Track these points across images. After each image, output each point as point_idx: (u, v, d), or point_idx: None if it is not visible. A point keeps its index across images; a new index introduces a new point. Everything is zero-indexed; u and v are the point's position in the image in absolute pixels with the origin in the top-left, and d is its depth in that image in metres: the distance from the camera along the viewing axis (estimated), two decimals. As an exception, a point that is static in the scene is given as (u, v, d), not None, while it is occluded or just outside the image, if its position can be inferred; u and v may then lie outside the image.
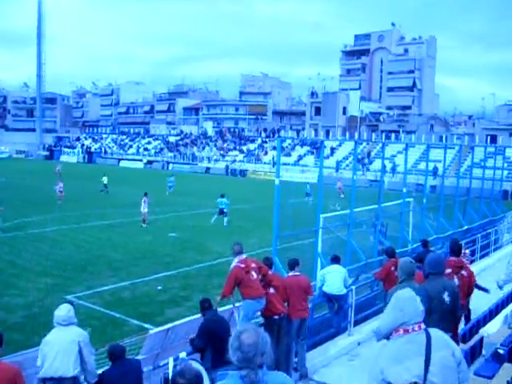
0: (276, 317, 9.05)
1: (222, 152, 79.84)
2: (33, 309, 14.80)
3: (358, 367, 9.66)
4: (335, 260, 12.25)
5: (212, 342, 7.62)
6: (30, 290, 16.51)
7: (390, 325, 3.74)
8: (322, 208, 15.39)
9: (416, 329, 3.67)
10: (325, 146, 53.52)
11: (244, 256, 9.30)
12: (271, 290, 9.21)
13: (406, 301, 3.76)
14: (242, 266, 9.09)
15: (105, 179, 42.56)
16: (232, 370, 3.32)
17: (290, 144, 73.55)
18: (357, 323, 11.85)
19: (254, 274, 9.02)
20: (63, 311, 6.92)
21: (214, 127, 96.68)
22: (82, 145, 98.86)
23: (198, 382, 3.97)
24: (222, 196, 29.36)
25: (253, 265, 9.15)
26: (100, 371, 6.78)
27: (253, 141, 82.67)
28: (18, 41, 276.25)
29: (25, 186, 45.30)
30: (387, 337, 3.79)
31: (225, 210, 28.94)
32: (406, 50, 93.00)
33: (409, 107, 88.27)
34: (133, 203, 31.78)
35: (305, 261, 16.05)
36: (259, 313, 9.24)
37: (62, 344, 6.63)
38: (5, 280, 17.62)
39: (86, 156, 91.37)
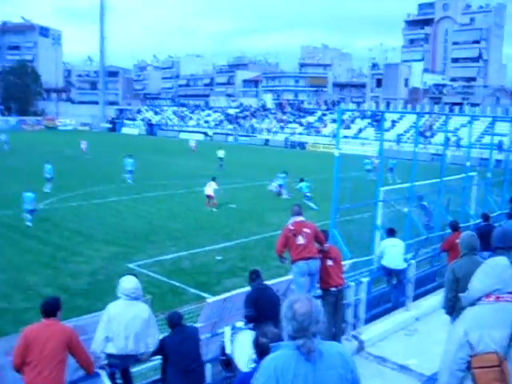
0: (333, 289, 9.05)
1: (281, 124, 79.53)
2: (97, 276, 15.34)
3: (416, 342, 9.57)
4: (391, 233, 12.09)
5: (260, 310, 7.71)
6: (94, 257, 17.12)
7: (483, 290, 3.63)
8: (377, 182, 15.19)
9: (508, 298, 3.57)
10: (385, 119, 52.44)
11: (300, 219, 9.27)
12: (329, 262, 9.20)
13: (503, 268, 3.66)
14: (292, 228, 9.12)
15: (221, 153, 42.10)
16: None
17: (349, 116, 72.51)
18: (415, 298, 11.71)
19: (302, 239, 8.98)
20: (131, 283, 6.98)
21: (273, 99, 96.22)
22: (144, 117, 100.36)
23: (279, 340, 4.09)
24: (302, 180, 27.80)
25: (305, 229, 9.10)
26: (160, 337, 6.93)
27: (312, 113, 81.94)
28: (82, 16, 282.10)
29: (87, 157, 46.45)
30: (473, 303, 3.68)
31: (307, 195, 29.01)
32: (472, 19, 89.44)
33: (474, 79, 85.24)
34: (192, 175, 32.27)
35: (363, 233, 15.99)
36: (317, 285, 9.25)
37: (130, 321, 6.71)
38: (71, 248, 18.29)
39: (147, 128, 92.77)
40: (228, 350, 7.06)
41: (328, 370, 3.27)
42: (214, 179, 26.22)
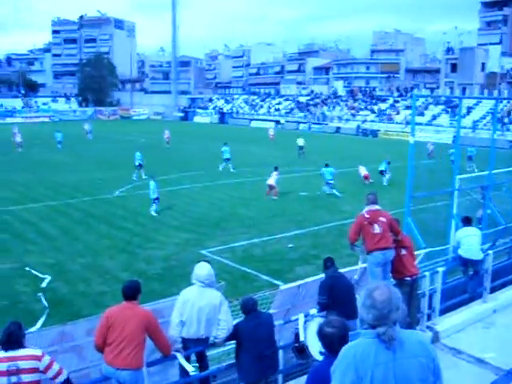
0: (408, 278, 8.88)
1: (352, 112, 78.51)
2: (170, 261, 15.69)
3: (493, 335, 9.26)
4: (467, 221, 11.68)
5: (334, 297, 7.69)
6: (167, 243, 17.51)
7: None
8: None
9: None
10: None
11: (376, 207, 9.12)
12: (402, 252, 9.03)
13: None
14: (367, 216, 8.97)
15: (300, 141, 41.96)
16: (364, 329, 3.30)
17: (423, 103, 70.68)
18: (493, 290, 11.32)
19: (377, 228, 8.83)
20: (204, 270, 7.07)
21: (344, 87, 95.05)
22: (215, 106, 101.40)
23: (346, 330, 4.05)
24: (326, 166, 27.25)
25: (381, 218, 8.94)
26: (234, 322, 7.01)
27: (384, 100, 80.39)
28: (155, 7, 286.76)
29: (163, 146, 47.36)
30: None
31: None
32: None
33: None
34: (264, 163, 32.31)
35: (438, 222, 15.60)
36: (391, 274, 9.10)
37: (203, 307, 6.82)
38: (146, 234, 18.79)
39: (219, 116, 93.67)
40: (301, 337, 7.05)
41: (409, 358, 3.23)
42: (276, 169, 26.03)
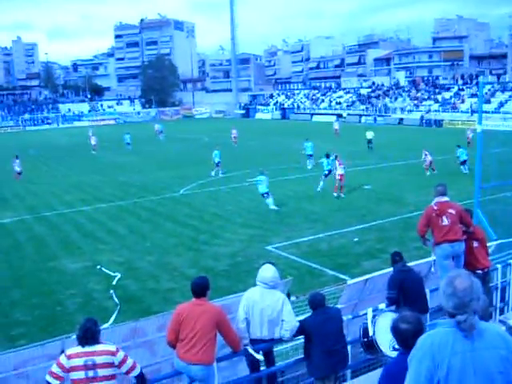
0: (479, 271, 8.64)
1: (415, 102, 76.84)
2: (237, 258, 15.83)
3: None
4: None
5: (403, 292, 7.57)
6: (233, 240, 17.67)
7: None
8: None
9: None
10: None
11: (445, 199, 8.91)
12: (475, 244, 8.80)
13: None
14: (435, 208, 8.78)
15: (369, 134, 41.54)
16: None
17: (489, 90, 68.42)
18: None
19: (446, 220, 8.63)
20: (269, 272, 6.99)
21: (406, 77, 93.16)
22: (276, 102, 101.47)
23: (421, 325, 3.99)
24: (327, 156, 26.13)
25: (450, 210, 8.73)
26: (301, 318, 7.01)
27: (448, 89, 78.26)
28: (213, 6, 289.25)
29: (225, 142, 47.77)
30: None
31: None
32: None
33: None
34: (308, 155, 32.08)
35: (509, 213, 15.10)
36: (463, 267, 8.88)
37: (265, 309, 6.80)
38: (212, 231, 19.04)
39: (280, 112, 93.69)
40: (370, 332, 6.97)
41: (488, 349, 3.17)
42: (336, 157, 25.19)
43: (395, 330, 4.12)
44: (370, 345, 6.94)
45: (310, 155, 32.63)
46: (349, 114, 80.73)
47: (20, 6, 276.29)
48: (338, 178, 24.14)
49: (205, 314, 6.31)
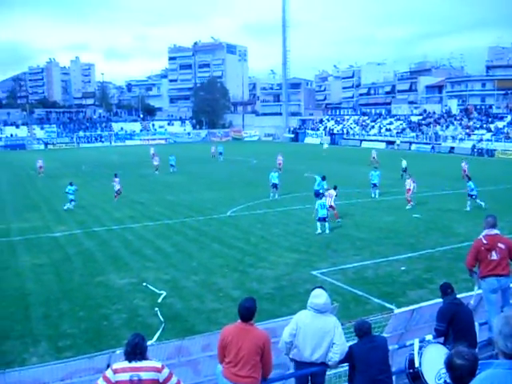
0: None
1: (467, 131, 75.64)
2: (281, 282, 15.77)
3: None
4: None
5: (453, 325, 7.44)
6: (279, 264, 17.64)
7: None
8: None
9: None
10: None
11: (494, 232, 8.72)
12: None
13: None
14: (485, 241, 8.60)
15: (404, 163, 41.12)
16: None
17: (546, 120, 66.82)
18: None
19: (495, 255, 8.46)
20: (322, 299, 6.93)
21: (458, 105, 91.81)
22: (325, 127, 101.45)
23: (476, 363, 3.86)
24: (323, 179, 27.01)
25: (500, 244, 8.55)
26: (347, 345, 6.93)
27: (502, 118, 76.78)
28: (265, 31, 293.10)
29: (273, 165, 47.90)
30: None
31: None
32: None
33: None
34: (372, 184, 31.73)
35: None
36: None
37: (318, 333, 6.77)
38: (258, 253, 19.06)
39: (329, 137, 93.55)
40: (416, 364, 6.85)
41: None
42: (335, 188, 24.89)
43: (450, 364, 3.99)
44: (416, 376, 6.81)
45: (375, 184, 31.75)
46: (395, 142, 79.92)
47: (80, 27, 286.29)
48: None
49: (251, 340, 6.31)
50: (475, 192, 27.02)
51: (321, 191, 26.38)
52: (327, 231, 21.91)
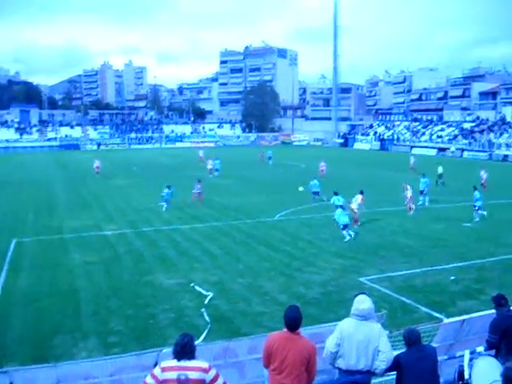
0: None
1: (522, 139, 73.59)
2: (328, 287, 15.70)
3: None
4: None
5: (506, 338, 7.28)
6: (326, 269, 17.56)
7: None
8: None
9: None
10: None
11: None
12: None
13: None
14: None
15: (440, 169, 40.39)
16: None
17: None
18: None
19: None
20: (366, 304, 6.84)
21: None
22: (375, 132, 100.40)
23: None
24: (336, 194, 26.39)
25: None
26: (395, 353, 6.83)
27: (560, 126, 74.46)
28: (316, 35, 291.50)
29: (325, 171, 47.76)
30: None
31: None
32: None
33: None
34: (420, 191, 31.24)
35: None
36: None
37: (363, 341, 6.68)
38: (305, 258, 19.03)
39: (379, 143, 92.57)
40: (466, 375, 6.70)
41: None
42: (361, 193, 25.41)
43: (506, 377, 3.89)
44: (465, 388, 6.68)
45: (422, 191, 31.18)
46: (448, 149, 78.31)
47: (133, 31, 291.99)
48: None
49: (297, 350, 6.25)
50: (480, 203, 26.17)
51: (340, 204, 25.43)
52: (352, 235, 21.84)
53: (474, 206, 26.22)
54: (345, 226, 21.88)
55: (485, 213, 26.14)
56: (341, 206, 23.76)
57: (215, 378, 5.69)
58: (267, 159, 59.60)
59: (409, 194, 27.94)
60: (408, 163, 50.99)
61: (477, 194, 26.36)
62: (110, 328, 12.58)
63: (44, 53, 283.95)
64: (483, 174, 36.79)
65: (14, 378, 6.14)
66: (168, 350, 6.33)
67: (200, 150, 62.22)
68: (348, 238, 21.75)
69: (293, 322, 6.34)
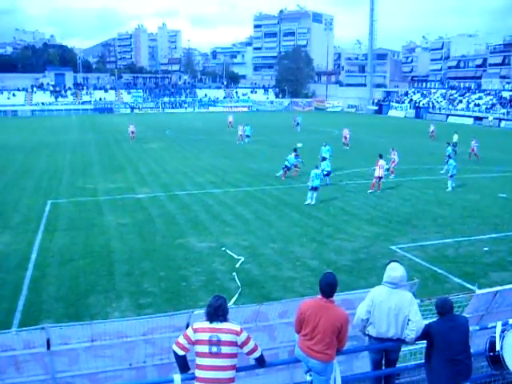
0: None
1: None
2: (359, 254, 15.67)
3: None
4: None
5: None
6: (357, 236, 17.51)
7: None
8: None
9: None
10: None
11: None
12: None
13: None
14: None
15: (455, 137, 39.98)
16: None
17: None
18: None
19: None
20: (398, 272, 6.81)
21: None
22: (410, 100, 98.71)
23: None
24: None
25: None
26: (426, 322, 6.81)
27: None
28: (353, 0, 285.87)
29: (357, 138, 47.26)
30: None
31: None
32: None
33: None
34: (459, 160, 30.71)
35: None
36: None
37: (394, 309, 6.68)
38: (336, 225, 18.99)
39: (414, 111, 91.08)
40: (497, 347, 6.66)
41: None
42: (381, 157, 25.44)
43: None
44: (496, 360, 6.64)
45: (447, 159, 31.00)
46: (485, 118, 76.59)
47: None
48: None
49: (330, 318, 6.24)
50: (454, 171, 25.89)
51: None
52: (313, 202, 22.13)
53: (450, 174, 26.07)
54: (313, 188, 22.07)
55: (453, 185, 25.85)
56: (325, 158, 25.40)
57: (246, 341, 5.76)
58: (295, 125, 58.78)
59: (395, 158, 28.96)
60: (433, 131, 50.16)
61: (452, 162, 26.30)
62: (143, 289, 12.81)
63: (79, 16, 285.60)
64: (474, 144, 36.09)
65: (51, 335, 6.30)
66: (200, 311, 6.40)
67: (229, 116, 61.69)
68: (309, 201, 22.01)
69: (328, 288, 6.32)
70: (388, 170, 27.77)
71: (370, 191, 24.66)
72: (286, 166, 27.54)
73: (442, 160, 31.34)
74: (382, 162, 25.11)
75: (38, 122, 71.31)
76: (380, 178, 24.85)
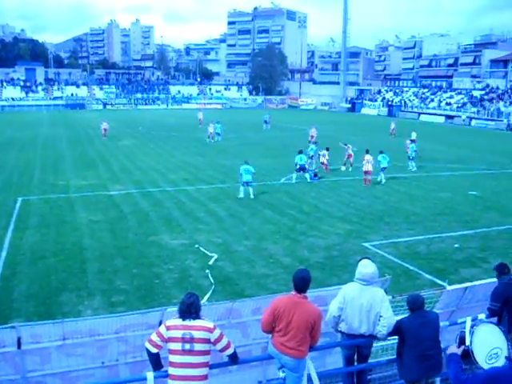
0: None
1: (532, 108, 72.89)
2: (332, 251, 15.76)
3: None
4: None
5: (508, 306, 7.36)
6: (330, 233, 17.61)
7: None
8: None
9: None
10: None
11: None
12: None
13: None
14: None
15: (413, 134, 40.79)
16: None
17: None
18: None
19: None
20: (370, 268, 6.90)
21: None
22: (383, 98, 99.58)
23: None
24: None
25: None
26: (398, 318, 6.90)
27: None
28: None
29: (330, 136, 47.52)
30: None
31: None
32: None
33: None
34: (430, 158, 31.16)
35: None
36: None
37: (364, 305, 6.75)
38: (310, 222, 19.05)
39: (387, 109, 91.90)
40: (467, 342, 6.76)
41: None
42: (367, 151, 26.61)
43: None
44: (466, 354, 6.74)
45: (410, 157, 31.64)
46: (457, 117, 77.62)
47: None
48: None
49: (303, 314, 6.27)
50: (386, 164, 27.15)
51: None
52: (251, 196, 22.66)
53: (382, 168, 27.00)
54: (245, 183, 22.69)
55: (384, 180, 26.83)
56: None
57: (219, 338, 5.76)
58: (263, 123, 57.17)
59: (350, 151, 30.42)
60: (394, 128, 50.64)
61: (384, 156, 27.29)
62: (116, 286, 12.70)
63: (50, 10, 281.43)
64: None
65: (22, 334, 6.22)
66: (173, 309, 6.39)
67: (199, 112, 59.79)
68: (242, 195, 22.58)
69: (302, 283, 6.34)
70: (344, 164, 29.96)
71: (365, 185, 25.89)
72: (300, 168, 26.74)
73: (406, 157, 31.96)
74: (368, 156, 25.88)
75: (7, 117, 70.20)
76: (367, 172, 25.83)
